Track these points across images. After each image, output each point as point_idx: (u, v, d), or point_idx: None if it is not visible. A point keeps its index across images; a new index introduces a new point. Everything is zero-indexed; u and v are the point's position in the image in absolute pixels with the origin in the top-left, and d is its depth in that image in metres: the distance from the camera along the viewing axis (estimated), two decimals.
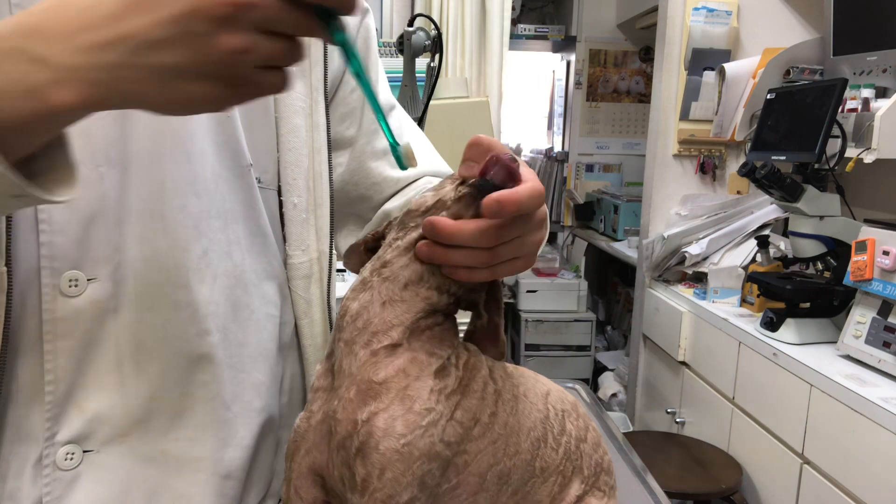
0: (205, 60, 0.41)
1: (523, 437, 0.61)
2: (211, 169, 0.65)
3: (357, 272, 0.64)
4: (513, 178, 0.53)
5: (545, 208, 0.57)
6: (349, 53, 0.47)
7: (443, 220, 0.54)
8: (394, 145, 0.53)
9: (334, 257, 0.78)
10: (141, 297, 0.61)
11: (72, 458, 0.59)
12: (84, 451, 0.60)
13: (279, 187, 0.73)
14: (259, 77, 0.43)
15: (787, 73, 2.41)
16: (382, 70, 0.84)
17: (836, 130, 1.85)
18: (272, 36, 0.42)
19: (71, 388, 0.59)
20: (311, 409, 0.60)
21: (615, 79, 4.07)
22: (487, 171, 0.53)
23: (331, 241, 0.77)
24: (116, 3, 0.41)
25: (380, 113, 0.52)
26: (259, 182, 0.70)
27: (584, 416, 0.69)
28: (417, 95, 2.10)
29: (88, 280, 0.59)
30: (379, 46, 2.50)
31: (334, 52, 0.74)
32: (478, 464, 0.58)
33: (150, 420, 0.62)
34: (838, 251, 1.88)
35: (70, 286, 0.58)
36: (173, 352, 0.62)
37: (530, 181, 0.53)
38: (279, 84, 0.45)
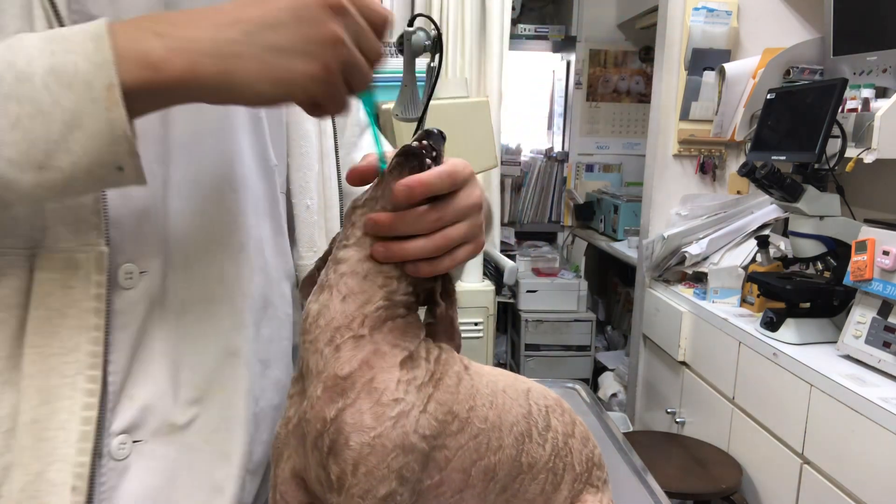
0: (308, 39, 0.49)
1: (505, 431, 0.61)
2: (246, 166, 0.67)
3: None
4: (422, 155, 0.57)
5: (478, 192, 0.60)
6: (368, 108, 0.59)
7: (379, 213, 0.56)
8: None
9: None
10: (184, 290, 0.62)
11: (124, 448, 0.60)
12: (134, 441, 0.60)
13: (288, 190, 0.75)
14: (339, 82, 0.51)
15: (787, 73, 2.41)
16: None
17: (836, 130, 1.85)
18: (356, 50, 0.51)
19: (124, 379, 0.60)
20: (288, 414, 0.61)
21: (615, 79, 4.07)
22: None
23: None
24: (240, 1, 0.50)
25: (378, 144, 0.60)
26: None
27: (569, 412, 0.69)
28: (417, 95, 2.09)
29: (141, 273, 0.60)
30: None
31: None
32: (460, 459, 0.58)
33: (193, 410, 0.63)
34: (838, 251, 1.88)
35: (126, 279, 0.59)
36: (213, 344, 0.64)
37: (447, 164, 0.58)
38: (344, 103, 0.54)
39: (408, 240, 0.56)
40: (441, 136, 0.58)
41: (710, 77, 2.62)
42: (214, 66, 0.48)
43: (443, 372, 0.59)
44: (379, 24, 0.53)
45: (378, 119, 0.58)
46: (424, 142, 0.57)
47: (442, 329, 0.63)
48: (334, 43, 0.50)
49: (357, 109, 0.87)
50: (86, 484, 0.56)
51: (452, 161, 0.58)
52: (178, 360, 0.62)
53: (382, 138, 0.70)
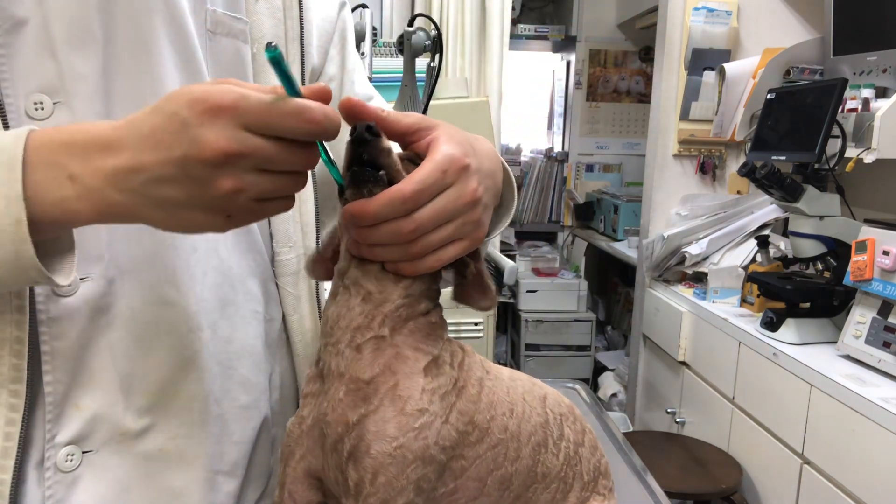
0: (202, 198, 0.47)
1: (524, 441, 0.61)
2: None
3: (324, 280, 0.65)
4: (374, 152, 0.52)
5: (471, 187, 0.55)
6: (326, 158, 0.53)
7: (357, 211, 0.52)
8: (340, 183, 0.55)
9: None
10: (133, 296, 0.61)
11: (72, 460, 0.59)
12: (83, 452, 0.59)
13: None
14: (258, 207, 0.49)
15: (787, 73, 2.41)
16: (359, 60, 0.84)
17: (836, 130, 1.85)
18: (270, 173, 0.48)
19: (68, 389, 0.58)
20: (302, 414, 0.60)
21: (615, 79, 4.07)
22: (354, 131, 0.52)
23: (317, 237, 0.77)
24: (139, 138, 0.47)
25: (333, 169, 0.55)
26: None
27: (580, 420, 0.69)
28: (417, 95, 2.10)
29: (81, 279, 0.58)
30: (379, 46, 2.51)
31: (311, 49, 0.75)
32: (477, 469, 0.58)
33: (147, 418, 0.62)
34: (838, 251, 1.88)
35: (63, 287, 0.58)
36: (166, 349, 0.62)
37: (412, 181, 0.52)
38: (281, 208, 0.51)
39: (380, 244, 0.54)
40: (374, 135, 0.52)
41: (710, 77, 2.62)
42: (125, 210, 0.49)
43: (465, 379, 0.58)
44: (299, 129, 0.47)
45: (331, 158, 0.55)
46: (364, 156, 0.52)
47: (474, 287, 0.61)
48: (229, 196, 0.47)
49: (361, 79, 0.85)
50: (6, 501, 0.55)
51: (428, 167, 0.53)
52: (128, 367, 0.61)
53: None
